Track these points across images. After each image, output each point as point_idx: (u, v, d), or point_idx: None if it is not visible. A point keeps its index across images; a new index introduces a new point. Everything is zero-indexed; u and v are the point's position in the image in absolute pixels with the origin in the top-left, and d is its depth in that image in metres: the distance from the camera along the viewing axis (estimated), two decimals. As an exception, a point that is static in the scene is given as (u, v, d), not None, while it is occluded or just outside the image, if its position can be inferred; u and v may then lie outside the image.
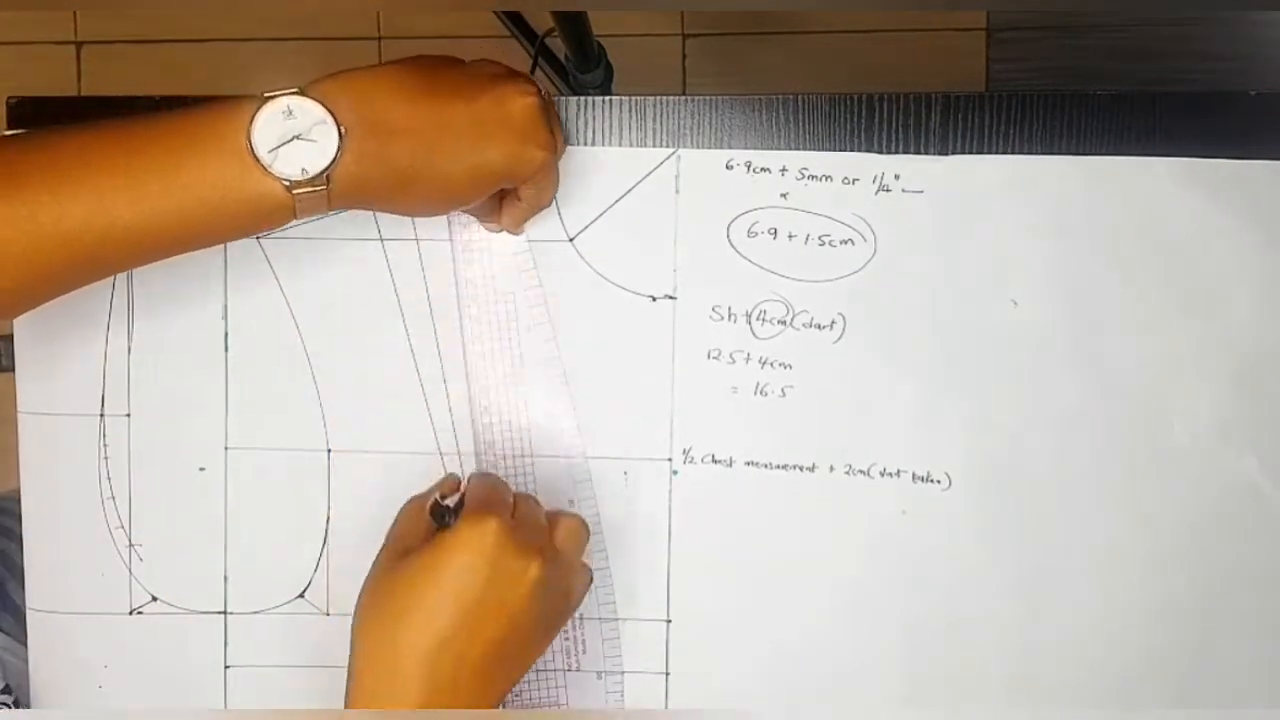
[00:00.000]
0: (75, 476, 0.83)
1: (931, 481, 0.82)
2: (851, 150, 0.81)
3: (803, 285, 0.81)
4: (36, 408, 0.83)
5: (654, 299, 0.82)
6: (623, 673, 0.84)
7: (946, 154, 0.81)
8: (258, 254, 0.82)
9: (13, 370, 0.83)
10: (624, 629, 0.84)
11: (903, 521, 0.82)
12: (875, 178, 0.80)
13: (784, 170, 0.81)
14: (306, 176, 0.63)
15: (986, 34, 1.85)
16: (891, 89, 0.81)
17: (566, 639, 0.83)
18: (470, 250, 0.82)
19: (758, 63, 1.89)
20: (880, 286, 0.81)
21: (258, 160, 0.63)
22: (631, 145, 0.82)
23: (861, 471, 0.82)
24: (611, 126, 0.82)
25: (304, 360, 0.82)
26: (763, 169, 0.81)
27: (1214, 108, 0.81)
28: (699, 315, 0.82)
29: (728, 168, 0.81)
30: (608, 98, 0.82)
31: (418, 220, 0.81)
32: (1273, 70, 1.81)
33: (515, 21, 1.58)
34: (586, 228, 0.82)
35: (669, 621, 0.84)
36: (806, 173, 0.81)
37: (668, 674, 0.84)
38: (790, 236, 0.81)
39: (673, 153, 0.81)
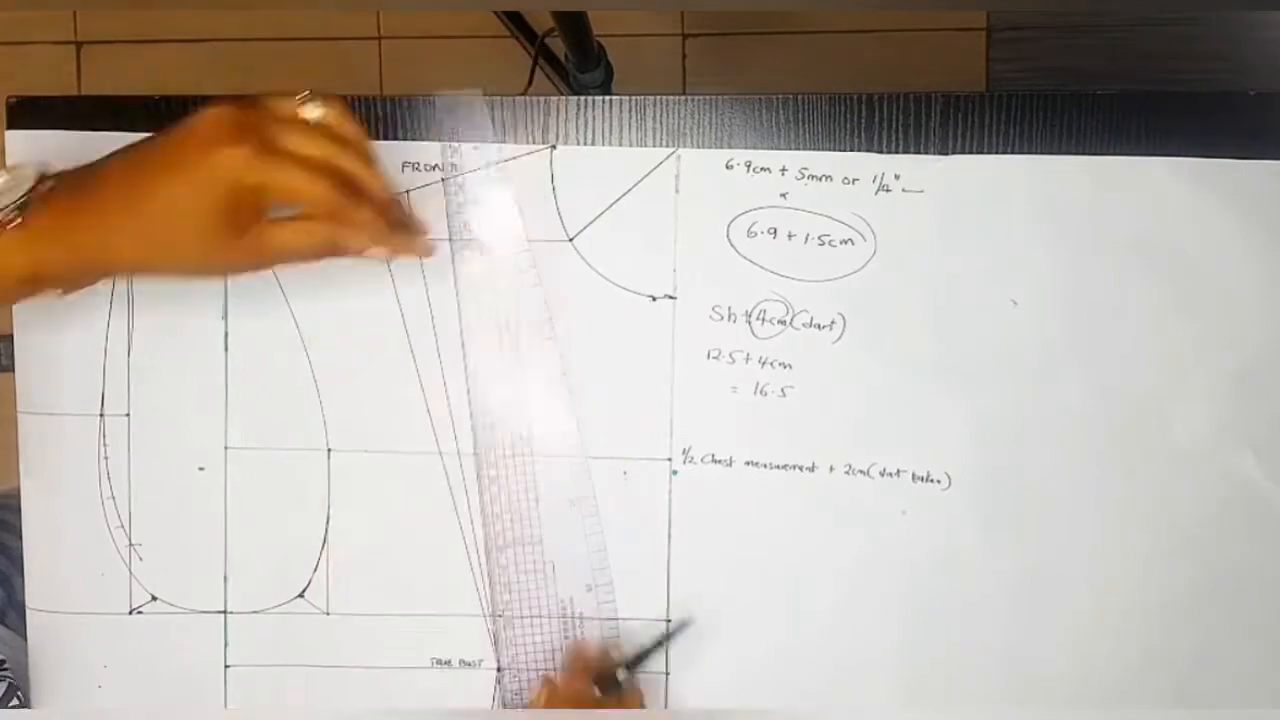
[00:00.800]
0: (75, 476, 0.83)
1: (931, 481, 0.82)
2: (852, 150, 0.81)
3: (803, 285, 0.81)
4: (36, 408, 0.83)
5: (654, 299, 0.82)
6: (623, 672, 0.83)
7: (947, 154, 0.81)
8: (258, 254, 0.82)
9: (13, 370, 0.83)
10: (624, 629, 0.83)
11: (903, 521, 0.82)
12: (875, 177, 0.80)
13: (784, 170, 0.81)
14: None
15: (986, 34, 1.85)
16: (891, 89, 0.81)
17: (567, 638, 0.83)
18: (469, 249, 0.82)
19: (758, 63, 1.88)
20: (880, 286, 0.81)
21: None
22: (631, 145, 0.82)
23: (861, 471, 0.82)
24: (611, 126, 0.82)
25: (304, 360, 0.82)
26: (763, 169, 0.81)
27: (1214, 108, 0.81)
28: (699, 315, 0.82)
29: (727, 167, 0.81)
30: (608, 98, 0.82)
31: (417, 220, 0.81)
32: (1273, 70, 1.81)
33: (515, 21, 1.58)
34: (586, 227, 0.82)
35: (669, 621, 0.83)
36: (806, 172, 0.81)
37: (667, 674, 0.84)
38: (790, 236, 0.81)
39: (672, 152, 0.81)
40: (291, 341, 0.83)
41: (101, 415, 0.83)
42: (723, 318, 0.82)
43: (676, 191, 0.81)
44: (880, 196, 0.81)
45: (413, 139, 0.82)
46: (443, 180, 0.81)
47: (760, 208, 0.81)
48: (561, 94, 0.79)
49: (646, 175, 0.81)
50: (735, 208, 0.81)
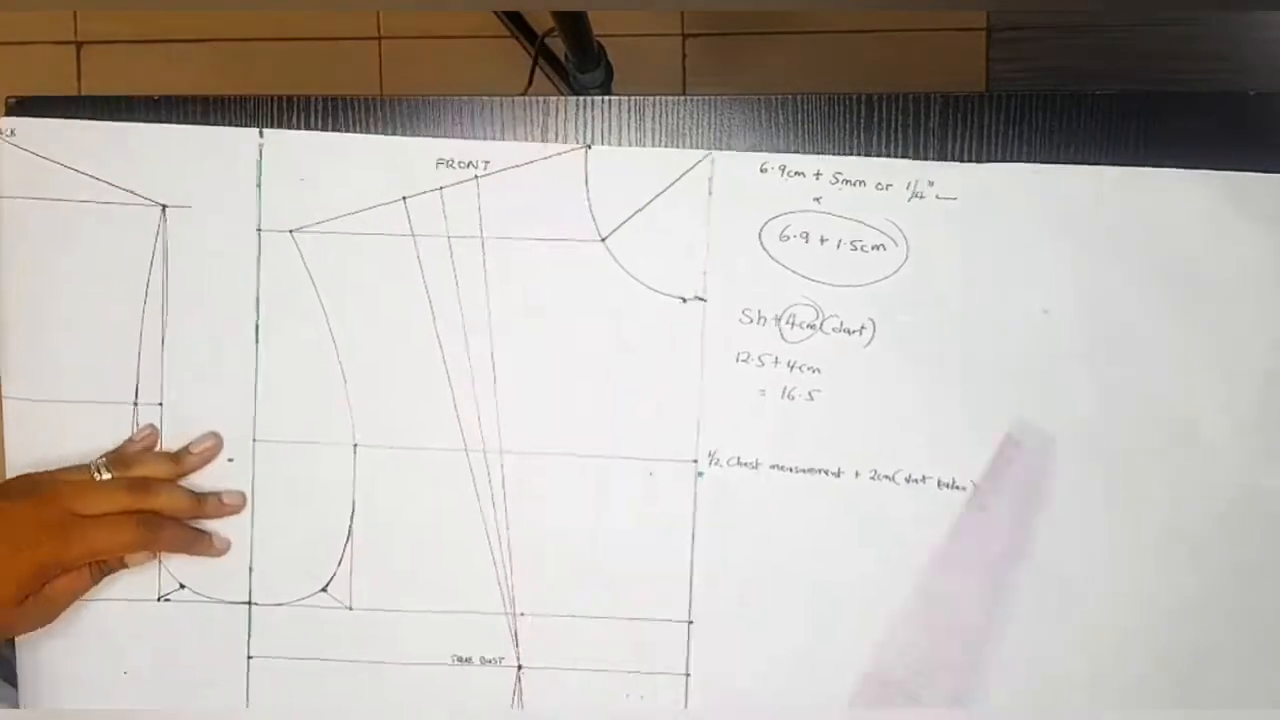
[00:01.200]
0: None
1: (956, 489, 0.82)
2: (885, 155, 0.82)
3: (834, 290, 0.82)
4: (59, 395, 0.83)
5: (684, 300, 0.82)
6: (652, 674, 0.84)
7: (946, 155, 0.81)
8: (290, 248, 0.82)
9: None
10: (646, 630, 0.84)
11: (928, 527, 0.83)
12: (909, 184, 0.81)
13: (818, 174, 0.81)
14: None
15: (986, 34, 1.85)
16: (891, 89, 0.82)
17: (590, 636, 0.84)
18: (501, 248, 0.82)
19: (758, 63, 1.89)
20: (911, 292, 0.82)
21: None
22: (632, 144, 0.82)
23: (887, 477, 0.82)
24: (611, 126, 0.82)
25: (333, 354, 0.82)
26: (796, 173, 0.81)
27: (1214, 108, 0.82)
28: (729, 318, 0.82)
29: (761, 171, 0.81)
30: (608, 97, 0.82)
31: (449, 214, 0.82)
32: (1272, 70, 1.82)
33: (515, 21, 1.58)
34: (619, 228, 0.82)
35: (690, 623, 0.84)
36: (840, 177, 0.81)
37: (688, 675, 0.84)
38: (822, 241, 0.81)
39: (706, 155, 0.82)
40: (321, 336, 0.82)
41: (135, 404, 0.83)
42: (752, 320, 0.82)
43: (710, 194, 0.82)
44: (914, 203, 0.82)
45: (436, 135, 0.82)
46: (476, 178, 0.81)
47: (793, 211, 0.82)
48: (561, 94, 0.79)
49: (680, 177, 0.82)
50: (768, 211, 0.82)
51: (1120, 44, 1.83)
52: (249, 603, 0.84)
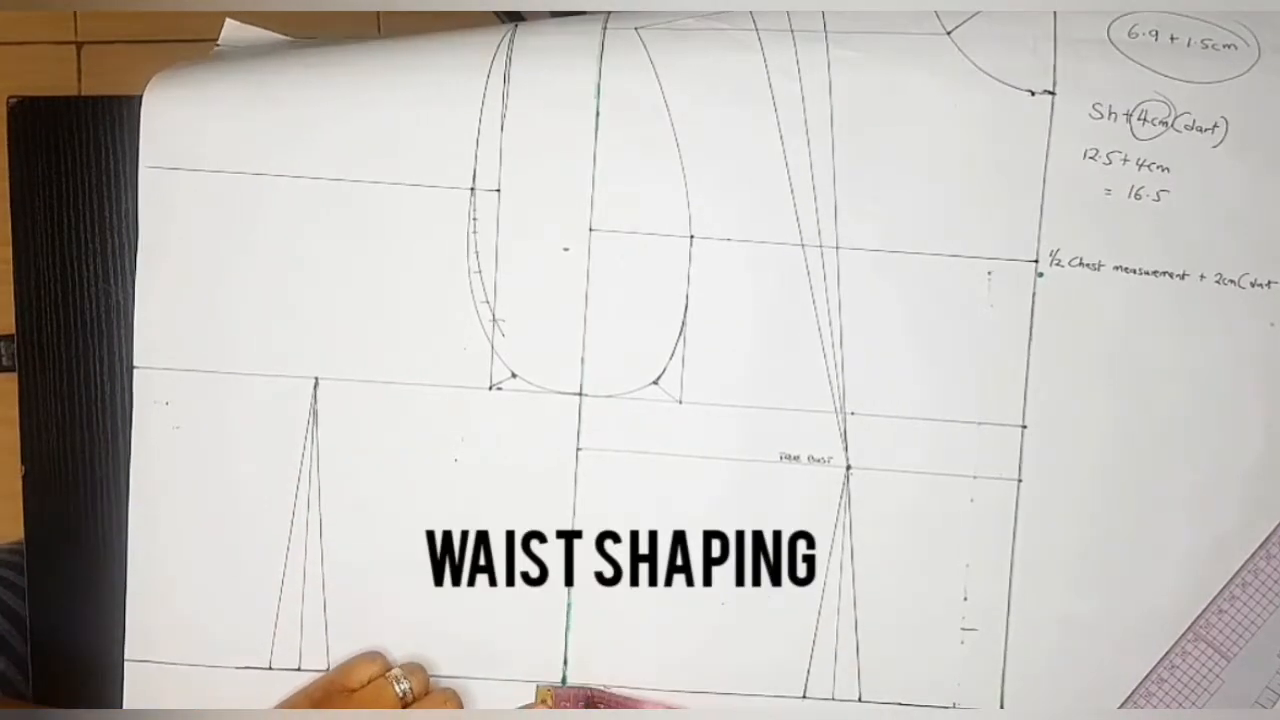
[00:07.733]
0: (447, 248, 0.83)
1: (1302, 288, 0.81)
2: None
3: (1186, 85, 0.81)
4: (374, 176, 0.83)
5: (1033, 94, 0.81)
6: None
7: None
8: (634, 40, 0.82)
9: (14, 370, 0.83)
10: (978, 433, 0.83)
11: (1270, 334, 0.81)
12: (1255, -5, 0.81)
13: (1164, -22, 0.81)
14: None
15: None
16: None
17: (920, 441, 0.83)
18: (846, 42, 0.81)
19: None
20: (1263, 92, 0.81)
21: None
22: None
23: (1232, 281, 0.81)
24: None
25: (672, 144, 0.82)
26: None
27: None
28: (1079, 113, 0.81)
29: (1107, -27, 0.81)
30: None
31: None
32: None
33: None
34: (965, 22, 0.82)
35: (1024, 427, 0.83)
36: (1187, -20, 0.81)
37: (1020, 480, 0.83)
38: (1172, 39, 0.81)
39: (1052, -49, 0.81)
40: (660, 124, 0.82)
41: (472, 190, 0.83)
42: (1103, 116, 0.81)
43: (1054, -11, 0.81)
44: (1261, 11, 0.81)
45: None
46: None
47: (1140, 11, 0.81)
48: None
49: (1026, -26, 0.81)
50: (1114, 10, 0.81)
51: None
52: (580, 394, 0.83)
